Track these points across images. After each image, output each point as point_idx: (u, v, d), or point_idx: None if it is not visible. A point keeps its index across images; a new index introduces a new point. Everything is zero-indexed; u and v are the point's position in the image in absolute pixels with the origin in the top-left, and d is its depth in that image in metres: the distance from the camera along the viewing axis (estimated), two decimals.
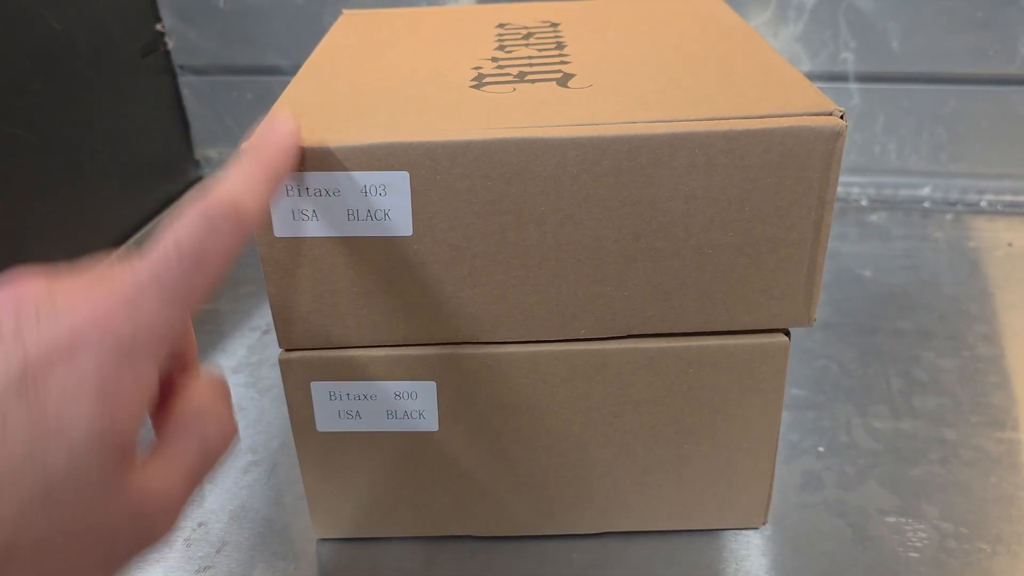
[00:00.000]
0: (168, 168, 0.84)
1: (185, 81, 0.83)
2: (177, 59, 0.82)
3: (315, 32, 0.78)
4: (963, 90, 0.72)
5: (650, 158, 0.34)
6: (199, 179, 0.88)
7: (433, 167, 0.34)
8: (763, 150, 0.34)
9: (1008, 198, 0.76)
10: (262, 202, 0.29)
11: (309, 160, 0.34)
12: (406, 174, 0.34)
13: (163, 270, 0.25)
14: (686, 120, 0.34)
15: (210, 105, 0.84)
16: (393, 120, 0.36)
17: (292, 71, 0.82)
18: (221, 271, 0.26)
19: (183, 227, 0.26)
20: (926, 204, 0.77)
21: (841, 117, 0.34)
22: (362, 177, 0.34)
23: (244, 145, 0.32)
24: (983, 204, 0.77)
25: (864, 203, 0.78)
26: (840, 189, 0.78)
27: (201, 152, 0.87)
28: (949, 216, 0.76)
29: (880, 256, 0.70)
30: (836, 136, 0.34)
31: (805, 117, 0.34)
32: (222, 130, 0.85)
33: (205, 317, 0.64)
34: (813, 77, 0.74)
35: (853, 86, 0.74)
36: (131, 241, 0.76)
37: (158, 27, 0.80)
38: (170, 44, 0.81)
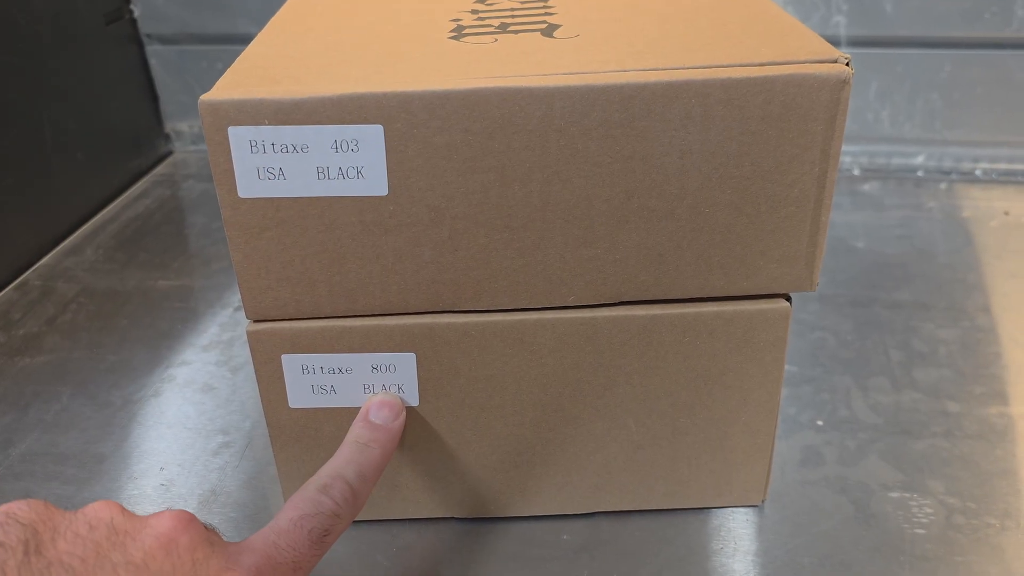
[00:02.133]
0: (137, 142, 0.80)
1: (152, 50, 0.80)
2: (144, 27, 0.79)
3: None
4: (959, 54, 0.70)
5: (643, 110, 0.32)
6: (169, 153, 0.85)
7: (409, 120, 0.32)
8: (763, 100, 0.32)
9: (1004, 166, 0.74)
10: (372, 487, 0.34)
11: (275, 113, 0.31)
12: (380, 128, 0.32)
13: (296, 546, 0.30)
14: (681, 68, 0.32)
15: (179, 76, 0.81)
16: (365, 71, 0.33)
17: None
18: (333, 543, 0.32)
19: (312, 510, 0.31)
20: (920, 173, 0.75)
21: (847, 64, 0.32)
22: (332, 131, 0.32)
23: (360, 430, 0.35)
24: (978, 173, 0.75)
25: (856, 172, 0.76)
26: None
27: (171, 125, 0.84)
28: (943, 185, 0.74)
29: (874, 226, 0.68)
30: (842, 84, 0.32)
31: (808, 64, 0.32)
32: (192, 102, 0.82)
33: (176, 294, 0.62)
34: None
35: (845, 50, 0.71)
36: (98, 218, 0.73)
37: None
38: (136, 11, 0.78)
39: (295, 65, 0.34)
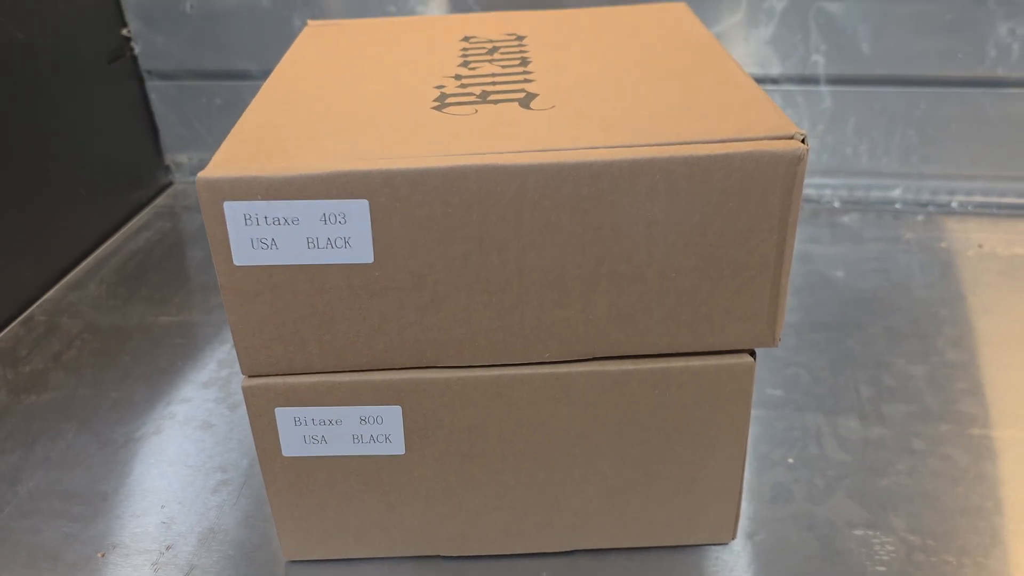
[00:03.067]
0: (137, 174, 0.83)
1: (153, 86, 0.82)
2: (144, 64, 0.81)
3: (284, 36, 0.78)
4: (933, 92, 0.73)
5: (611, 184, 0.34)
6: (169, 184, 0.87)
7: (393, 194, 0.34)
8: (724, 175, 0.34)
9: (979, 199, 0.77)
10: None
11: (268, 189, 0.33)
12: (365, 202, 0.34)
13: None
14: (647, 145, 0.34)
15: (179, 110, 0.83)
16: (352, 146, 0.35)
17: (261, 75, 0.81)
18: None
19: None
20: (897, 205, 0.78)
21: (803, 140, 0.34)
22: (321, 205, 0.34)
23: None
24: (954, 205, 0.77)
25: (836, 205, 0.78)
26: (812, 191, 0.78)
27: (171, 157, 0.87)
28: (920, 217, 0.76)
29: (852, 258, 0.70)
30: (797, 160, 0.34)
31: (766, 141, 0.34)
32: (191, 135, 0.84)
33: (177, 330, 0.64)
34: (784, 80, 0.74)
35: (824, 88, 0.74)
36: (101, 250, 0.75)
37: (124, 32, 0.79)
38: (136, 49, 0.80)
39: (286, 137, 0.36)
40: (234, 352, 0.61)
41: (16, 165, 0.66)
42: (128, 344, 0.63)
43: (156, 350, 0.62)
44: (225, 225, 0.34)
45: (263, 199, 0.34)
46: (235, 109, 0.81)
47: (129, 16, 0.78)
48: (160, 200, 0.85)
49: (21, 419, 0.55)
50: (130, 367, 0.60)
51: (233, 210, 0.34)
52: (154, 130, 0.84)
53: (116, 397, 0.57)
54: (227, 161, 0.35)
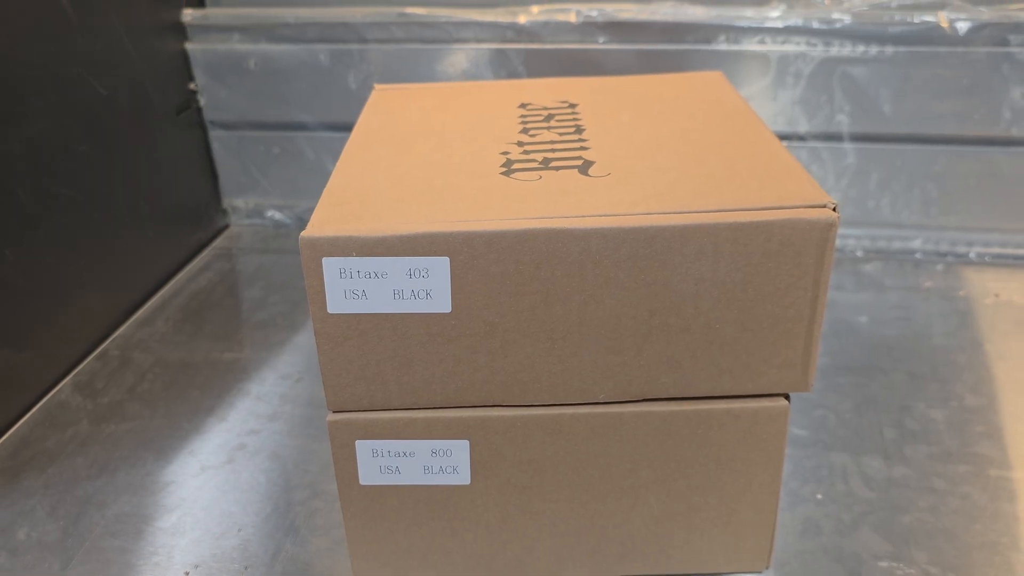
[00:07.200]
0: (198, 217, 0.88)
1: (215, 135, 0.88)
2: (208, 115, 0.87)
3: (339, 91, 0.83)
4: (951, 150, 0.77)
5: (664, 246, 0.38)
6: (226, 227, 0.92)
7: (471, 253, 0.38)
8: (764, 239, 0.38)
9: (996, 250, 0.80)
10: None
11: (362, 247, 0.38)
12: (447, 259, 0.38)
13: None
14: (696, 212, 0.39)
15: (238, 158, 0.89)
16: (434, 209, 0.40)
17: (316, 127, 0.87)
18: None
19: None
20: (918, 255, 0.82)
21: (834, 209, 0.39)
22: (407, 262, 0.39)
23: None
24: (972, 255, 0.81)
25: (859, 254, 0.82)
26: (837, 241, 0.82)
27: (228, 201, 0.92)
28: (940, 267, 0.80)
29: (875, 306, 0.74)
30: (829, 227, 0.38)
31: (802, 209, 0.38)
32: (249, 181, 0.90)
33: (241, 365, 0.68)
34: (810, 137, 0.79)
35: (848, 146, 0.78)
36: (166, 290, 0.80)
37: (191, 86, 0.84)
38: (202, 101, 0.86)
39: (373, 200, 0.41)
40: (296, 387, 0.65)
41: (94, 208, 0.71)
42: (196, 379, 0.67)
43: (223, 384, 0.66)
44: (322, 278, 0.39)
45: (357, 255, 0.38)
46: (291, 157, 0.87)
47: (196, 71, 0.84)
48: (218, 242, 0.90)
49: (103, 448, 0.60)
50: (200, 400, 0.65)
51: (330, 265, 0.39)
52: (214, 176, 0.90)
53: (188, 428, 0.62)
54: (324, 222, 0.39)
